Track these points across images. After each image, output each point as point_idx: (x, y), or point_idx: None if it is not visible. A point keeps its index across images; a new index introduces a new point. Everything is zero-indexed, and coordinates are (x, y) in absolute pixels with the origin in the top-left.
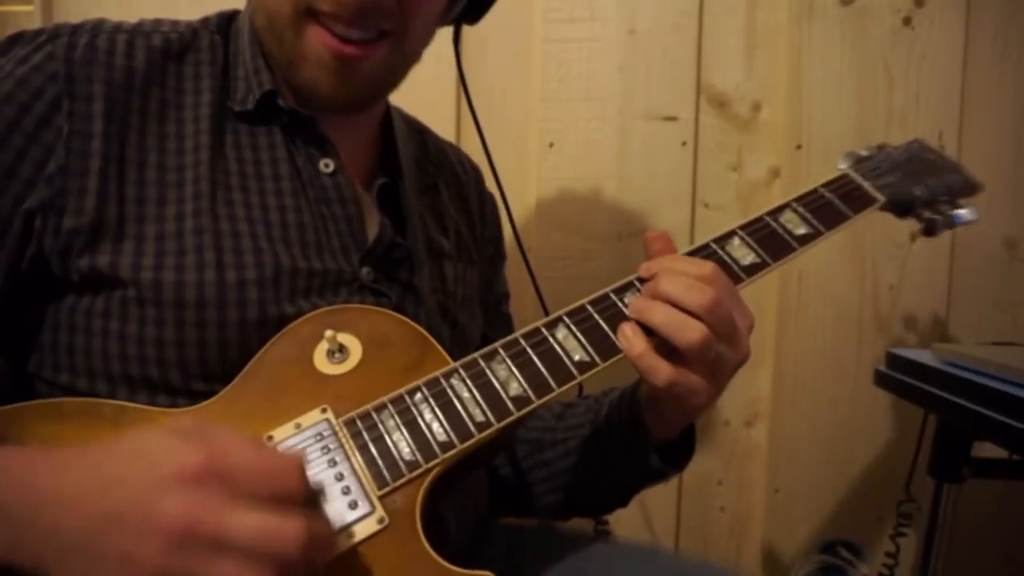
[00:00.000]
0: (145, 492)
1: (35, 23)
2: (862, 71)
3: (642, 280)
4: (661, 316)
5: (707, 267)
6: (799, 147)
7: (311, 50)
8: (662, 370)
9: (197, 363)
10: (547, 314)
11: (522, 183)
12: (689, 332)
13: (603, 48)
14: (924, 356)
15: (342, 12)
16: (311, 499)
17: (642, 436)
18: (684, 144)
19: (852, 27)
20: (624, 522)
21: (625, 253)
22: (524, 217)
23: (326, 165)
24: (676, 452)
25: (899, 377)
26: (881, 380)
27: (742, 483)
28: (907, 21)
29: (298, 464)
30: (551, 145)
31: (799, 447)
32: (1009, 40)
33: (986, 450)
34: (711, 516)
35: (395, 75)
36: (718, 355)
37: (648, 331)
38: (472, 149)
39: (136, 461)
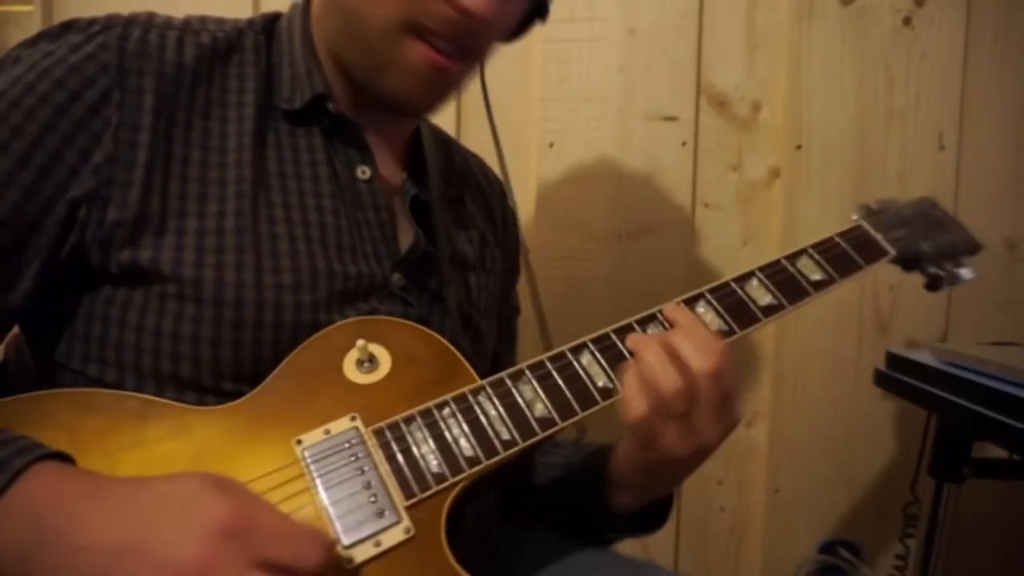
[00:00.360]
0: (169, 534)
1: (35, 23)
2: (862, 71)
3: (663, 313)
4: (651, 354)
5: (720, 344)
6: (799, 147)
7: (408, 61)
8: (637, 405)
9: (231, 363)
10: (540, 314)
11: (522, 183)
12: (670, 377)
13: (603, 48)
14: (924, 356)
15: (448, 31)
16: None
17: (600, 497)
18: (684, 144)
19: (852, 27)
20: None
21: (625, 253)
22: (524, 217)
23: (363, 172)
24: (643, 520)
25: (899, 377)
26: (881, 380)
27: (742, 483)
28: (907, 21)
29: (324, 541)
30: (551, 145)
31: (799, 447)
32: (1009, 40)
33: (986, 450)
34: (711, 516)
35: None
36: (693, 421)
37: None
38: (471, 148)
39: (170, 503)
